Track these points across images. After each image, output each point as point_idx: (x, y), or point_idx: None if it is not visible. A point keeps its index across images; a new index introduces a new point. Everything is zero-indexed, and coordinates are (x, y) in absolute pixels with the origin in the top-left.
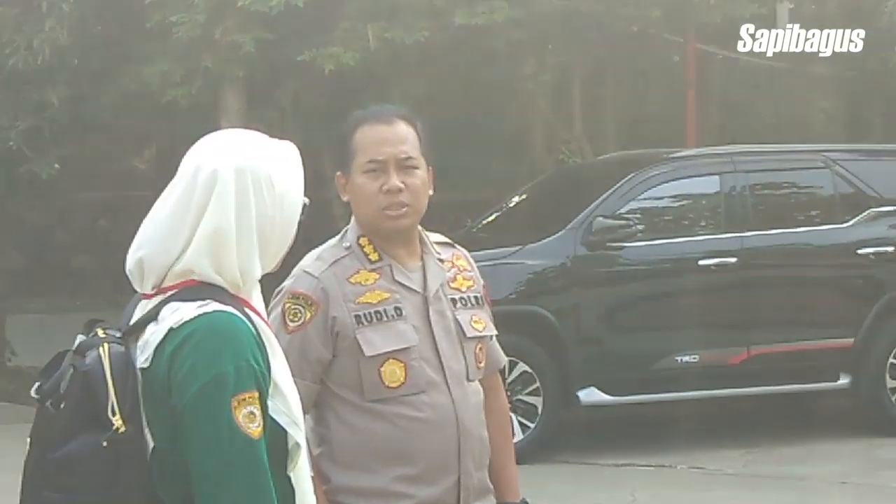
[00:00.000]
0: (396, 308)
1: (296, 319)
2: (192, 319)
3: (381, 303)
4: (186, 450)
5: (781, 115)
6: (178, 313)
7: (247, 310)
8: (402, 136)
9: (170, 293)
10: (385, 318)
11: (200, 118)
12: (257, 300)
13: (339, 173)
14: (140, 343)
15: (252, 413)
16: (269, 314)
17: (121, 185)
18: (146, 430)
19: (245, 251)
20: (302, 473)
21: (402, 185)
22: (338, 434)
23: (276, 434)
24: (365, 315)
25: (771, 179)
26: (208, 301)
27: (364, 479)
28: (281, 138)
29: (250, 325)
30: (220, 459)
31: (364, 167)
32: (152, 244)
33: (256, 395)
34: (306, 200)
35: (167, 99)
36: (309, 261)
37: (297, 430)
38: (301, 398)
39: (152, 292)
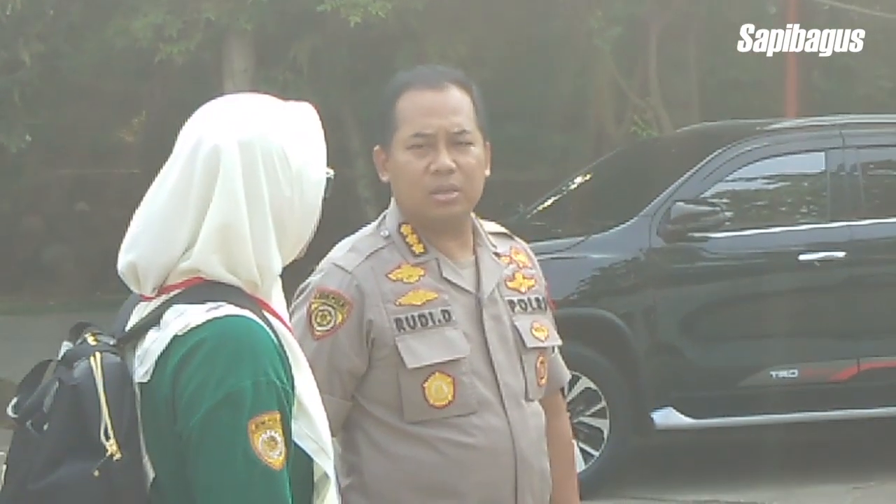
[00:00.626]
0: (444, 311)
1: (324, 323)
2: (200, 325)
3: (426, 304)
4: (194, 483)
5: None
6: (184, 318)
7: (266, 313)
8: (456, 106)
9: (174, 293)
10: (431, 324)
11: (200, 80)
12: (278, 300)
13: (377, 147)
14: (139, 353)
15: (273, 439)
16: (291, 316)
17: (104, 161)
18: (145, 458)
19: (261, 244)
20: None
21: (453, 165)
22: (371, 462)
23: (300, 463)
24: (407, 319)
25: (888, 157)
26: (220, 303)
27: None
28: (313, 108)
29: (270, 332)
30: (234, 495)
31: (408, 142)
32: (148, 242)
33: (278, 416)
34: (330, 173)
35: (160, 57)
36: (340, 252)
37: (326, 458)
38: (329, 418)
39: (153, 294)
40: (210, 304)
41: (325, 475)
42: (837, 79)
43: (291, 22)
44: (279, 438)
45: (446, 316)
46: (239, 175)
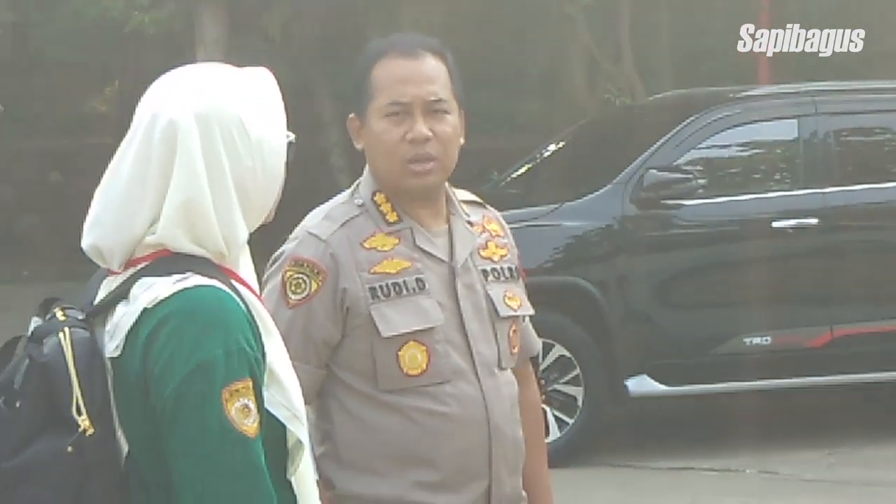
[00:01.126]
0: (418, 280)
1: (299, 291)
2: (169, 297)
3: (400, 273)
4: (169, 454)
5: (872, 46)
6: (153, 291)
7: (234, 282)
8: (432, 74)
9: (141, 266)
10: (405, 292)
11: (172, 49)
12: (246, 268)
13: (351, 115)
14: (108, 328)
15: (247, 406)
16: (264, 285)
17: (76, 131)
18: (118, 432)
19: (225, 215)
20: (305, 478)
21: (429, 134)
22: (345, 431)
23: (273, 431)
24: (381, 287)
25: (861, 124)
26: (188, 274)
27: (376, 484)
28: (270, 72)
29: (239, 301)
30: (210, 464)
31: (384, 110)
32: (109, 221)
33: (251, 384)
34: (291, 137)
35: (132, 27)
36: (314, 220)
37: (299, 425)
38: (303, 387)
39: (120, 269)
40: (177, 276)
41: (299, 442)
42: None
43: None
44: (252, 406)
45: (420, 284)
46: (198, 149)
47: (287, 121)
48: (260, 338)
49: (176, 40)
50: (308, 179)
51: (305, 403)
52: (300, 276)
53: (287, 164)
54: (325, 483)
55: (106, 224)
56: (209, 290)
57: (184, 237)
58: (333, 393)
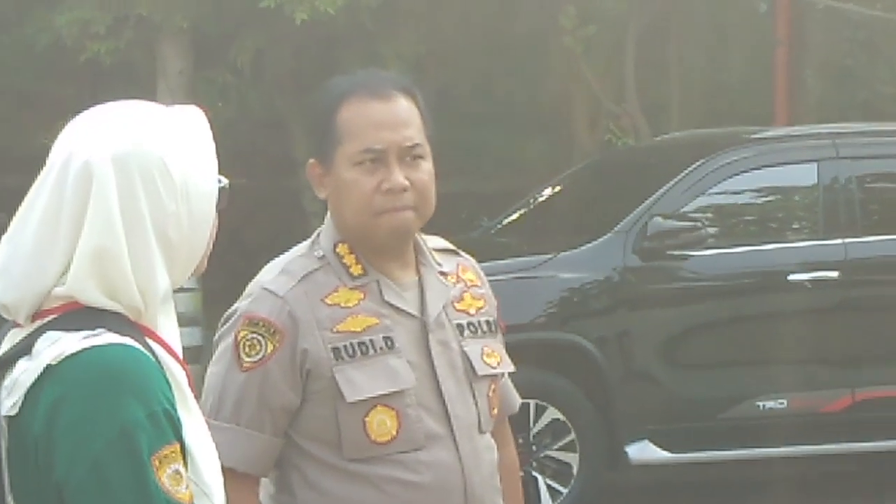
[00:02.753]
0: (386, 338)
1: (253, 353)
2: (76, 354)
3: (366, 331)
4: None
5: None
6: (58, 346)
7: (151, 342)
8: (406, 117)
9: (48, 319)
10: (372, 352)
11: (131, 81)
12: (168, 328)
13: (312, 161)
14: (6, 383)
15: (178, 472)
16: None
17: (24, 168)
18: (9, 498)
19: (143, 265)
20: None
21: (406, 183)
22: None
23: None
24: (346, 347)
25: (886, 169)
26: (99, 330)
27: None
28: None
29: (155, 361)
30: None
31: (355, 158)
32: (17, 270)
33: (178, 448)
34: (224, 181)
35: (87, 56)
36: (270, 275)
37: (207, 502)
38: (257, 457)
39: (25, 323)
40: (87, 332)
41: None
42: (833, 81)
43: (232, 19)
44: (183, 471)
45: (389, 343)
46: (113, 193)
47: (257, 160)
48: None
49: (135, 71)
50: (280, 223)
51: (262, 475)
52: (255, 336)
53: (224, 211)
54: None
55: (13, 275)
56: (123, 349)
57: (95, 289)
58: (294, 463)
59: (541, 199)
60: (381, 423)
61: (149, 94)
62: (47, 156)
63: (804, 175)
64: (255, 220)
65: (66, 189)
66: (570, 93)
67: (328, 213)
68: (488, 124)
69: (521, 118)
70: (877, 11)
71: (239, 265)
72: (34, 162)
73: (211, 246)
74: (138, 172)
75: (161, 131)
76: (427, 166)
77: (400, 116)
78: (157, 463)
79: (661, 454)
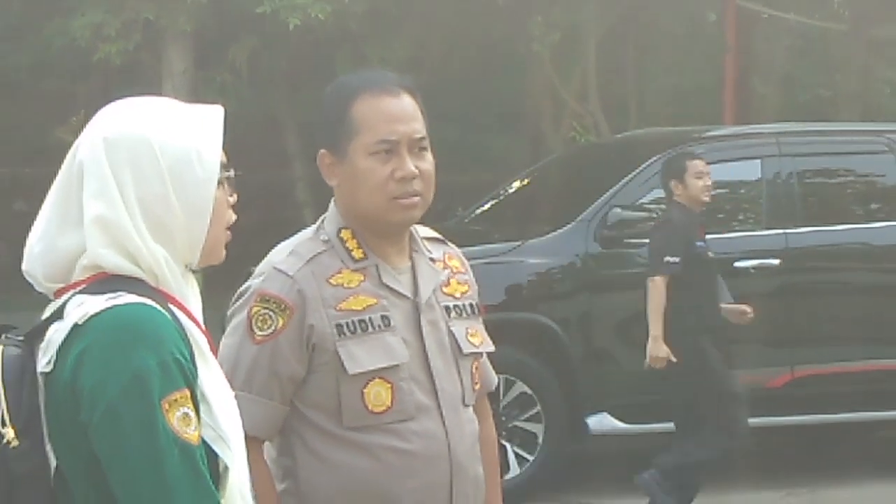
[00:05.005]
0: (384, 317)
1: (265, 328)
2: (99, 313)
3: (366, 310)
4: (111, 466)
5: (838, 88)
6: (83, 307)
7: (171, 305)
8: (413, 112)
9: (78, 288)
10: (371, 329)
11: (139, 80)
12: (193, 302)
13: (323, 151)
14: (42, 345)
15: (187, 415)
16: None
17: (42, 160)
18: (48, 446)
19: (141, 235)
20: (233, 502)
21: (417, 172)
22: (306, 467)
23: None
24: (348, 324)
25: (824, 165)
26: (120, 293)
27: None
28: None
29: (171, 319)
30: (159, 476)
31: (372, 148)
32: (41, 249)
33: (188, 393)
34: (230, 173)
35: (99, 56)
36: (281, 256)
37: (225, 447)
38: (266, 422)
39: (56, 292)
40: (109, 294)
41: (227, 467)
42: (776, 85)
43: (231, 23)
44: (192, 414)
45: (386, 321)
46: (106, 168)
47: (252, 153)
48: (194, 358)
49: (142, 71)
50: (273, 212)
51: (268, 439)
52: (267, 311)
53: (237, 200)
54: None
55: (39, 251)
56: (140, 307)
57: (114, 255)
58: (296, 430)
59: (510, 191)
60: (378, 395)
61: (154, 91)
62: (63, 148)
63: (749, 170)
64: (249, 208)
65: (72, 171)
66: (537, 94)
67: (332, 201)
68: (463, 122)
69: (492, 117)
70: (816, 21)
71: (235, 250)
72: (50, 153)
73: (224, 233)
74: (126, 151)
75: (158, 120)
76: (430, 157)
77: (408, 111)
78: (166, 406)
79: (619, 425)
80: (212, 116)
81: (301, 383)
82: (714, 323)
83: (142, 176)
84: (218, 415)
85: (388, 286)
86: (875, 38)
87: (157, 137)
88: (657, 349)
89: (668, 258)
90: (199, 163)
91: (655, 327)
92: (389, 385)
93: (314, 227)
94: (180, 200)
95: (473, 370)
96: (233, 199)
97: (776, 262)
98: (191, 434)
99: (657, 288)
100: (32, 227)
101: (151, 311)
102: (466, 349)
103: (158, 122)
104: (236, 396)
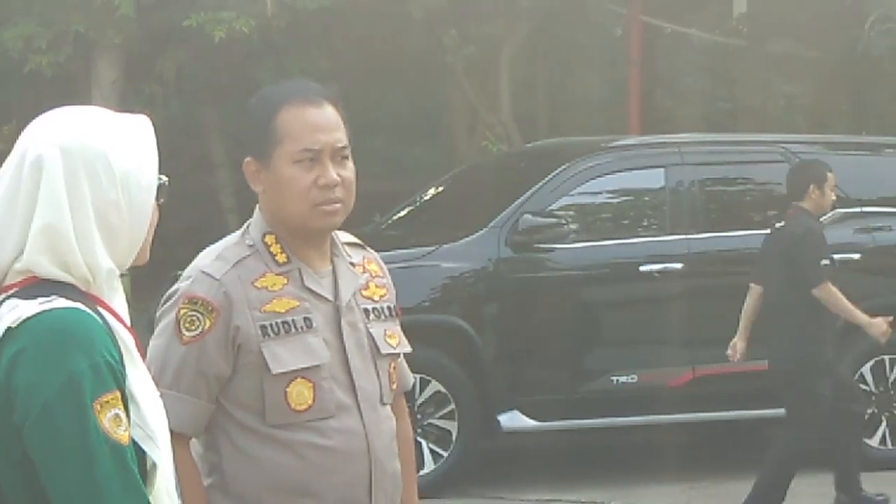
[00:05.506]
0: (306, 318)
1: (192, 328)
2: (32, 317)
3: (289, 312)
4: (44, 466)
5: (737, 101)
6: (17, 311)
7: (100, 309)
8: (335, 122)
9: (11, 292)
10: (294, 330)
11: (69, 90)
12: (117, 301)
13: (248, 159)
14: None
15: (118, 416)
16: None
17: None
18: None
19: (86, 243)
20: (161, 500)
21: (339, 179)
22: (232, 463)
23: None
24: (272, 326)
25: (723, 174)
26: (52, 297)
27: None
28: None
29: (101, 323)
30: (90, 474)
31: (295, 156)
32: None
33: (119, 395)
34: (164, 179)
35: (30, 67)
36: (207, 260)
37: (154, 446)
38: (193, 419)
39: None
40: (42, 299)
41: (154, 464)
42: (678, 97)
43: (158, 36)
44: (123, 416)
45: (308, 323)
46: (60, 178)
47: (178, 160)
48: (122, 358)
49: (72, 82)
50: (198, 218)
51: (194, 436)
52: (194, 313)
53: (161, 204)
54: None
55: None
56: (72, 312)
57: (48, 263)
58: (222, 426)
59: (426, 198)
60: (300, 394)
61: (84, 102)
62: None
63: (653, 179)
64: (174, 214)
65: (22, 177)
66: (451, 105)
67: (257, 207)
68: (379, 132)
69: (408, 127)
70: (716, 37)
71: (160, 253)
72: None
73: (151, 236)
74: (82, 162)
75: (106, 131)
76: (352, 165)
77: (331, 121)
78: (98, 407)
79: (529, 422)
80: (144, 126)
81: (227, 382)
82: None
83: (98, 184)
84: (146, 414)
85: (309, 289)
86: (772, 54)
87: (110, 148)
88: (877, 326)
89: (823, 262)
90: (143, 170)
91: (858, 317)
92: (311, 384)
93: (239, 232)
94: (128, 206)
95: (391, 370)
96: (160, 201)
97: (679, 266)
98: (121, 434)
99: (830, 292)
100: None
101: (83, 315)
102: (384, 350)
103: (109, 132)
104: (165, 395)
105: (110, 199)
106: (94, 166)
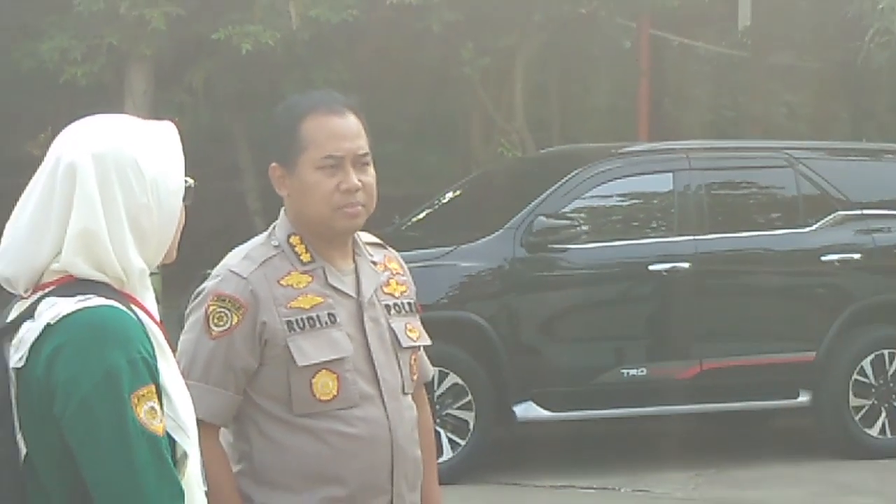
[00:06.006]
0: (330, 314)
1: (221, 324)
2: (71, 314)
3: (313, 308)
4: (83, 457)
5: (741, 109)
6: (56, 308)
7: (133, 306)
8: (357, 130)
9: (48, 290)
10: (318, 325)
11: (103, 99)
12: (148, 299)
13: (274, 164)
14: (14, 342)
15: (153, 409)
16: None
17: (12, 172)
18: (18, 436)
19: (119, 245)
20: (191, 488)
21: (359, 184)
22: (260, 451)
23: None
24: (297, 321)
25: (729, 178)
26: (89, 295)
27: (290, 500)
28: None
29: (136, 319)
30: (128, 464)
31: (319, 163)
32: (15, 252)
33: (154, 388)
34: (190, 182)
35: (65, 78)
36: (235, 259)
37: (184, 436)
38: (222, 411)
39: (27, 295)
40: (80, 297)
41: (185, 453)
42: (685, 106)
43: (188, 48)
44: (157, 408)
45: (332, 318)
46: (94, 184)
47: (207, 166)
48: (155, 355)
49: (106, 91)
50: (226, 220)
51: (223, 425)
52: (222, 310)
53: (188, 206)
54: (242, 498)
55: (12, 254)
56: (109, 309)
57: (84, 263)
58: (251, 416)
59: (444, 201)
60: (325, 385)
61: (117, 111)
62: (32, 161)
63: (662, 183)
64: (204, 217)
65: (56, 182)
66: (468, 113)
67: (282, 210)
68: (399, 139)
69: (426, 134)
70: (721, 49)
71: (190, 254)
72: (20, 166)
73: (179, 236)
74: (114, 168)
75: (136, 137)
76: (373, 171)
77: (353, 129)
78: (135, 400)
79: (543, 413)
80: (172, 132)
81: (254, 374)
82: None
83: (130, 190)
84: (178, 406)
85: (333, 286)
86: (775, 65)
87: (140, 154)
88: None
89: None
90: (171, 174)
91: None
92: (335, 375)
93: (265, 233)
94: (157, 209)
95: (412, 362)
96: (186, 203)
97: (686, 265)
98: (157, 426)
99: None
100: (5, 233)
101: (119, 312)
102: (405, 343)
103: (138, 138)
104: (195, 387)
105: (141, 203)
106: (126, 172)
